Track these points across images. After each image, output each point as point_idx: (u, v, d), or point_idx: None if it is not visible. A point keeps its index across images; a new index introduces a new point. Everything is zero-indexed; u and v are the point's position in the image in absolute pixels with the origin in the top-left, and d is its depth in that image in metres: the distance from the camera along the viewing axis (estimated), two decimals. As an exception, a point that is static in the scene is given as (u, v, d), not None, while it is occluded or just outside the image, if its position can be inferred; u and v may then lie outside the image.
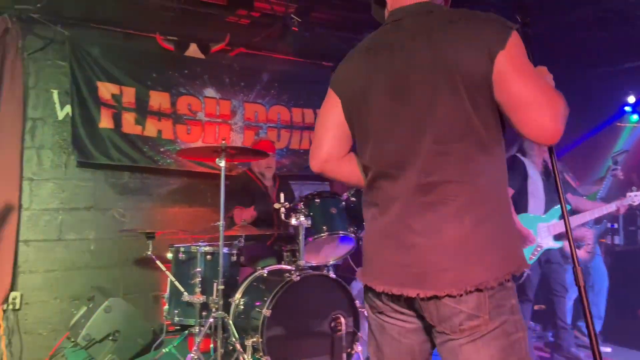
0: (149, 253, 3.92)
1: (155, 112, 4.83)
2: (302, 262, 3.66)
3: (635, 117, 6.13)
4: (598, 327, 4.99)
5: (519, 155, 4.39)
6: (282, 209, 3.69)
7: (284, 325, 3.45)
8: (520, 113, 1.51)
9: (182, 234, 4.45)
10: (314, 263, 3.92)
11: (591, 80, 5.81)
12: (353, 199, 4.04)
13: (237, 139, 5.19)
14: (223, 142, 3.55)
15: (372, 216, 1.72)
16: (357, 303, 3.68)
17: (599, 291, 5.09)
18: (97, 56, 4.58)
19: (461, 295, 1.51)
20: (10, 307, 4.30)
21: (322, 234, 3.78)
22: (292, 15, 4.72)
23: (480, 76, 1.51)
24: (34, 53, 4.50)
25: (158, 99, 4.84)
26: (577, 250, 2.30)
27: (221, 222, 3.54)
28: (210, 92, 5.10)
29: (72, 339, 4.25)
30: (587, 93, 5.51)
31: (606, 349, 4.79)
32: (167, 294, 4.01)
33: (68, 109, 4.60)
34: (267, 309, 3.38)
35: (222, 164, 3.54)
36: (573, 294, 4.71)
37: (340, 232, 3.84)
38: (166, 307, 3.96)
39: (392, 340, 1.71)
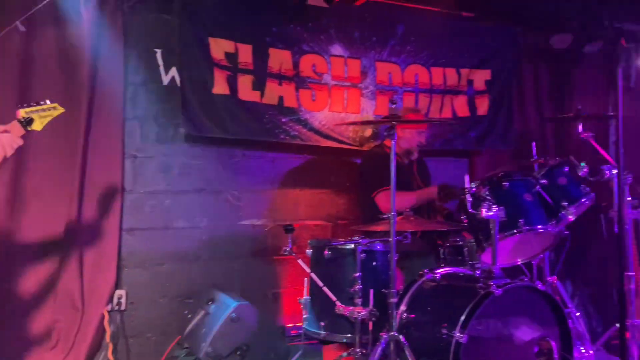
0: (288, 249, 3.12)
1: (276, 75, 3.98)
2: (494, 269, 2.75)
3: None
4: None
5: None
6: (468, 197, 2.79)
7: (481, 354, 2.58)
8: None
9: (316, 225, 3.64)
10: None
11: None
12: (544, 181, 3.08)
13: (369, 107, 4.28)
14: (393, 105, 2.65)
15: None
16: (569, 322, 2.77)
17: None
18: (210, 5, 3.76)
19: None
20: (116, 307, 3.64)
21: (516, 230, 2.86)
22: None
23: None
24: (135, 4, 3.72)
25: (279, 59, 3.98)
26: None
27: (393, 214, 2.66)
28: (337, 49, 4.18)
29: (187, 345, 3.58)
30: None
31: None
32: (304, 299, 3.22)
33: (174, 71, 3.83)
34: (461, 332, 2.51)
35: (394, 136, 2.64)
36: None
37: (539, 227, 2.89)
38: (306, 315, 3.18)
39: None
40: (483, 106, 4.61)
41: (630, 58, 4.86)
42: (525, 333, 2.73)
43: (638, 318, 3.75)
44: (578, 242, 4.30)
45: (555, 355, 2.68)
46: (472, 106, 4.58)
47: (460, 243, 3.22)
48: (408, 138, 3.79)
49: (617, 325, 2.60)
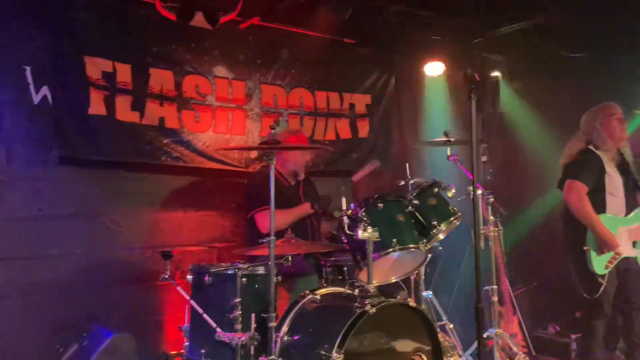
0: (167, 276, 3.04)
1: (157, 95, 3.89)
2: (371, 288, 2.86)
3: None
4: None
5: (592, 148, 3.80)
6: (345, 219, 2.89)
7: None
8: None
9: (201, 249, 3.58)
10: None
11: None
12: (416, 202, 3.25)
13: (254, 129, 4.31)
14: (272, 131, 2.69)
15: None
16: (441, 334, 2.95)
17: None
18: (86, 23, 3.61)
19: None
20: (-24, 346, 3.33)
21: (391, 249, 2.98)
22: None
23: None
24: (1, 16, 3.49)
25: (160, 79, 3.90)
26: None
27: (272, 238, 2.69)
28: (221, 70, 4.19)
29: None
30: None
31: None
32: (185, 326, 3.14)
33: (46, 90, 3.62)
34: (338, 352, 2.57)
35: (273, 161, 2.68)
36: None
37: (412, 245, 3.05)
38: (187, 343, 3.11)
39: None
40: (364, 129, 4.82)
41: (495, 86, 5.31)
42: (401, 347, 2.85)
43: (504, 325, 4.06)
44: (452, 256, 4.60)
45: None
46: (354, 129, 4.77)
47: (341, 263, 3.33)
48: (295, 160, 3.85)
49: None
